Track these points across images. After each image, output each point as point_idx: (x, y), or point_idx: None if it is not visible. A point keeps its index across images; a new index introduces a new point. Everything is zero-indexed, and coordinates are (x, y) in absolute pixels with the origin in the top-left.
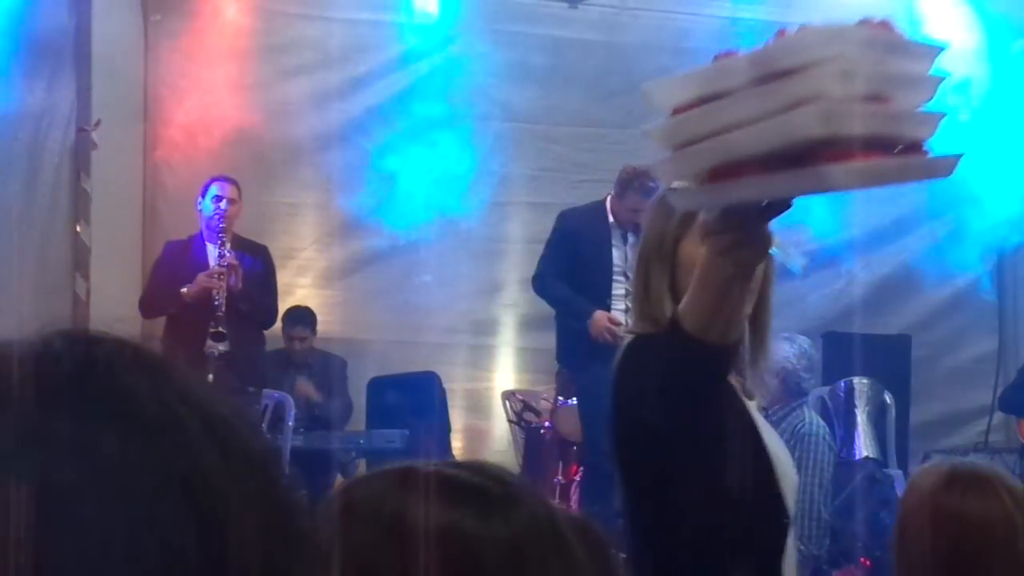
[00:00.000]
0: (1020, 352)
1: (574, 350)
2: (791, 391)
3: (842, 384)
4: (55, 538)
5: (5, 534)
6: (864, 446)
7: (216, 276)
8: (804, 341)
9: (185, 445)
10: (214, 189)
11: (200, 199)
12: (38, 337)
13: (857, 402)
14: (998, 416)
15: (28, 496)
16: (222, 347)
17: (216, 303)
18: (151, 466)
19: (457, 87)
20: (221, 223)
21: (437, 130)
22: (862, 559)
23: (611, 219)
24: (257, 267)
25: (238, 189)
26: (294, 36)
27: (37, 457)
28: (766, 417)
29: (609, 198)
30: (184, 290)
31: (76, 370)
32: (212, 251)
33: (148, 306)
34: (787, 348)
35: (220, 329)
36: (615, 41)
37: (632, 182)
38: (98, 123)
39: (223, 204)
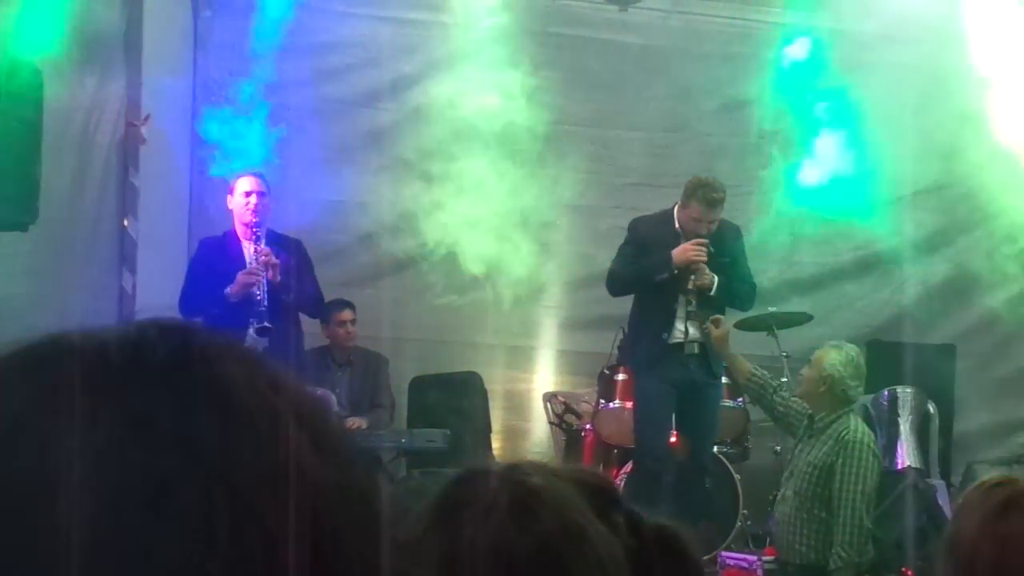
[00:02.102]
0: None
1: (637, 351)
2: (838, 399)
3: (885, 393)
4: (160, 525)
5: (111, 523)
6: (906, 455)
7: (256, 273)
8: (852, 349)
9: (279, 436)
10: (243, 185)
11: (230, 196)
12: (133, 326)
13: (900, 411)
14: None
15: (131, 484)
16: (263, 343)
17: (259, 298)
18: (251, 456)
19: (505, 89)
20: (254, 218)
21: (484, 132)
22: (903, 568)
23: (677, 226)
24: (293, 260)
25: (266, 183)
26: (342, 34)
27: (141, 445)
28: (811, 424)
29: (676, 206)
30: (228, 291)
31: (173, 359)
32: (247, 247)
33: (189, 306)
34: (834, 356)
35: (266, 324)
36: (663, 45)
37: (695, 192)
38: (147, 118)
39: (252, 199)
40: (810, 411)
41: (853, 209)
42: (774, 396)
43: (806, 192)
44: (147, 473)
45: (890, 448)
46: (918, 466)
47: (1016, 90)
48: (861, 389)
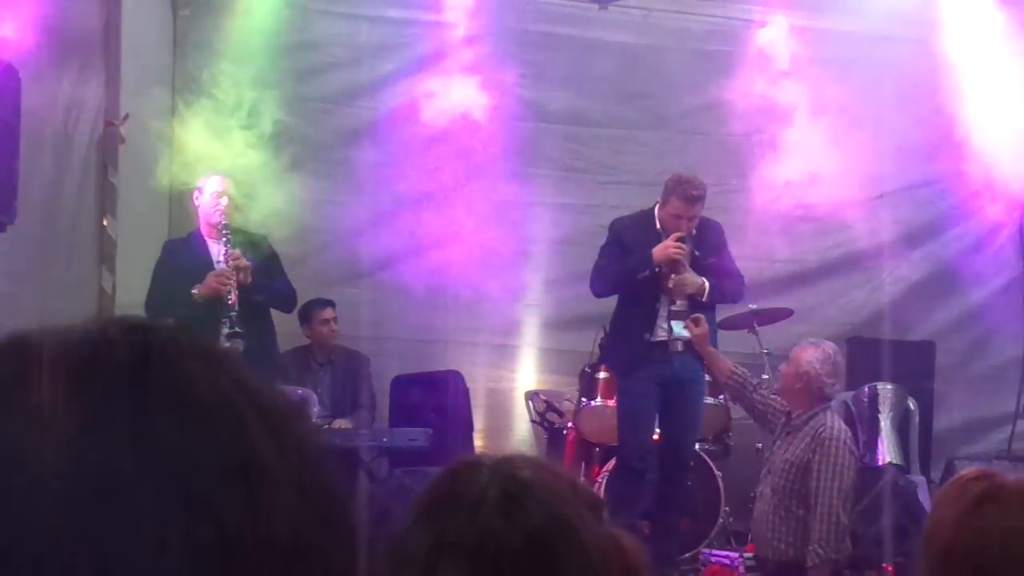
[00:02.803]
0: None
1: (620, 351)
2: (814, 396)
3: (866, 390)
4: (115, 524)
5: (65, 521)
6: (887, 452)
7: (226, 276)
8: (830, 347)
9: (242, 434)
10: (213, 184)
11: (198, 194)
12: (94, 324)
13: (881, 408)
14: (1022, 423)
15: (88, 483)
16: (239, 345)
17: (229, 302)
18: (209, 454)
19: (485, 87)
20: (223, 219)
21: (464, 130)
22: (884, 564)
23: (658, 225)
24: (261, 257)
25: (233, 184)
26: (322, 33)
27: (97, 443)
28: (788, 421)
29: (656, 206)
30: (195, 291)
31: (133, 357)
32: (214, 247)
33: (156, 307)
34: (811, 353)
35: (236, 329)
36: (643, 43)
37: (675, 189)
38: (126, 117)
39: (223, 200)
40: (788, 408)
41: (835, 206)
42: (754, 394)
43: (787, 189)
44: (102, 472)
45: (870, 444)
46: (898, 462)
47: (995, 87)
48: (839, 386)
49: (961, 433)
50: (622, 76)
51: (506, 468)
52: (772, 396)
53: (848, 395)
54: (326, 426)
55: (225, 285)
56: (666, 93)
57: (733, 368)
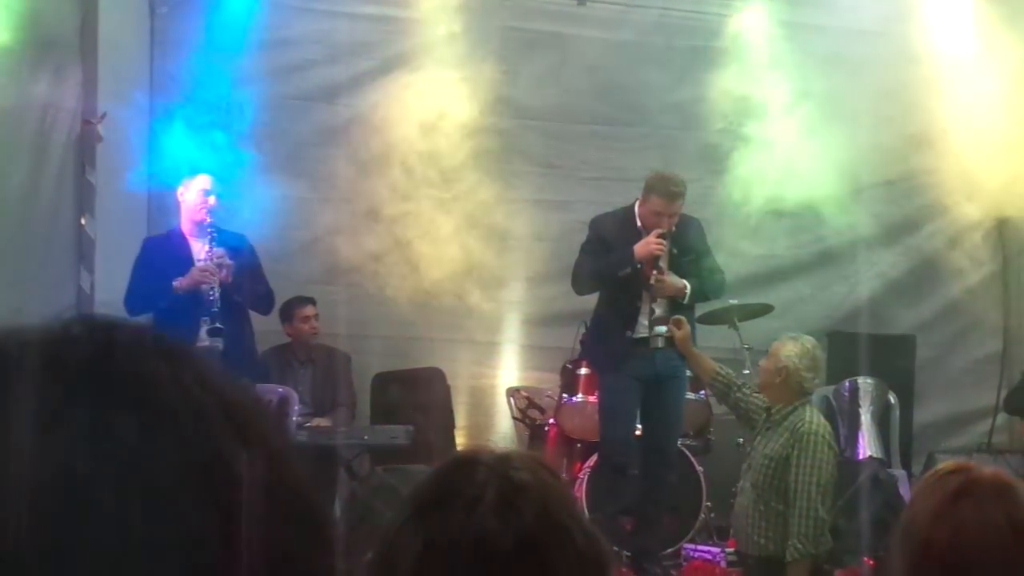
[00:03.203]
0: None
1: (601, 349)
2: (794, 390)
3: (847, 384)
4: (74, 525)
5: (24, 521)
6: (868, 446)
7: (210, 272)
8: (808, 341)
9: (205, 432)
10: (201, 183)
11: (183, 190)
12: (58, 322)
13: (861, 402)
14: (1002, 417)
15: (46, 482)
16: (212, 342)
17: (211, 298)
18: (171, 453)
19: (464, 85)
20: (209, 217)
21: (443, 127)
22: (865, 558)
23: (639, 223)
24: (242, 257)
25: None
26: (300, 30)
27: (56, 444)
28: (769, 416)
29: (637, 203)
30: (176, 283)
31: (96, 355)
32: (195, 245)
33: (135, 302)
34: (791, 347)
35: (217, 325)
36: (621, 39)
37: (656, 186)
38: (103, 116)
39: (211, 199)
40: (768, 404)
41: (814, 201)
42: (737, 394)
43: (767, 185)
44: (61, 472)
45: (851, 438)
46: (879, 456)
47: (973, 82)
48: (818, 381)
49: (941, 427)
50: (601, 72)
51: (504, 467)
52: (754, 395)
53: (829, 389)
54: (307, 424)
55: (207, 281)
56: (645, 89)
57: (718, 369)
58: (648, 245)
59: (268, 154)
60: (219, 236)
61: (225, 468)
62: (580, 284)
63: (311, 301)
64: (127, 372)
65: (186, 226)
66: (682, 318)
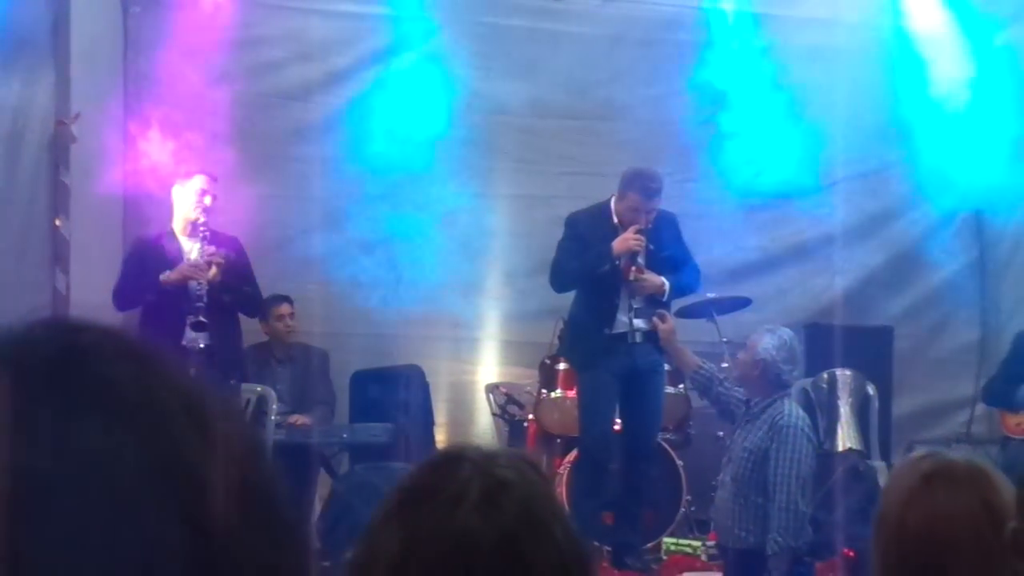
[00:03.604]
0: (1002, 344)
1: (580, 345)
2: (772, 383)
3: (825, 376)
4: (33, 529)
5: None
6: (847, 438)
7: (200, 269)
8: (786, 333)
9: (168, 434)
10: (198, 182)
11: (178, 188)
12: (20, 324)
13: (840, 394)
14: (980, 407)
15: (5, 486)
16: (203, 340)
17: (197, 294)
18: (133, 456)
19: (439, 80)
20: (204, 217)
21: (419, 123)
22: (845, 550)
23: (615, 219)
24: (233, 258)
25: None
26: (274, 28)
27: (16, 446)
28: (748, 410)
29: (613, 199)
30: (163, 276)
31: (57, 357)
32: (186, 244)
33: (123, 296)
34: (768, 340)
35: (202, 319)
36: (597, 33)
37: (633, 182)
38: (77, 116)
39: (207, 199)
40: (747, 397)
41: (791, 194)
42: (719, 388)
43: (744, 178)
44: (23, 475)
45: (830, 430)
46: (858, 448)
47: (950, 74)
48: (796, 373)
49: (920, 418)
50: (577, 67)
51: (488, 464)
52: (735, 388)
53: (807, 381)
54: (286, 423)
55: (195, 276)
56: (621, 83)
57: (700, 363)
58: (626, 241)
59: (243, 152)
60: (211, 237)
61: (188, 471)
62: (559, 282)
63: (286, 300)
64: (89, 374)
65: (179, 225)
66: (666, 312)
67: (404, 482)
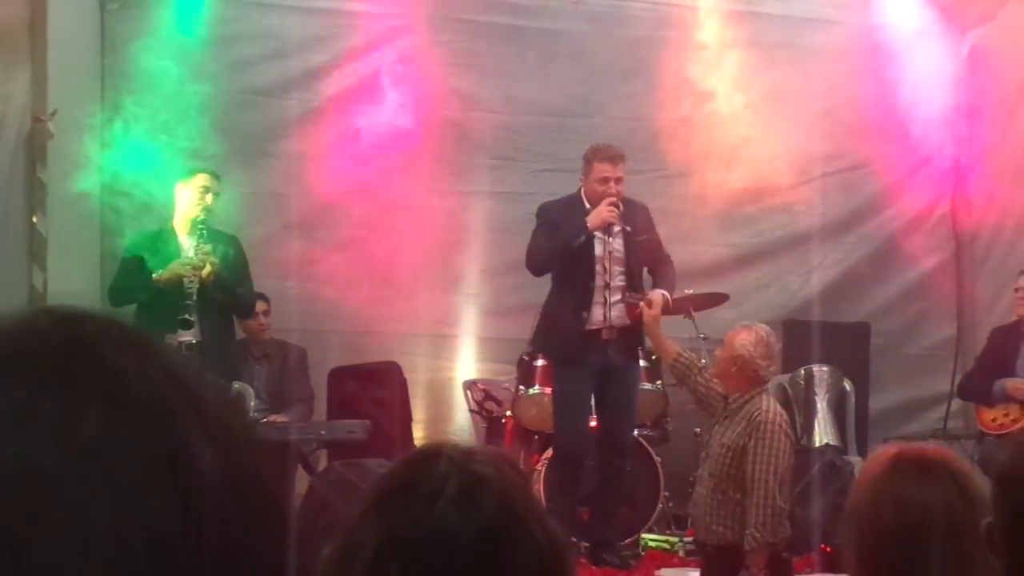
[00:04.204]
0: (978, 340)
1: (555, 339)
2: (749, 379)
3: (802, 372)
4: (36, 519)
5: None
6: (824, 433)
7: (193, 266)
8: (763, 329)
9: (171, 427)
10: (201, 180)
11: (181, 186)
12: (24, 312)
13: (817, 390)
14: (957, 403)
15: (8, 477)
16: (189, 336)
17: (188, 291)
18: (136, 447)
19: (417, 77)
20: (203, 215)
21: (397, 120)
22: (822, 546)
23: (587, 204)
24: (231, 257)
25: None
26: (252, 25)
27: (19, 436)
28: (726, 405)
29: (582, 188)
30: (156, 276)
31: (62, 347)
32: (185, 242)
33: (117, 294)
34: (744, 336)
35: (187, 316)
36: (574, 29)
37: (596, 154)
38: (54, 113)
39: (209, 197)
40: (726, 392)
41: (768, 190)
42: (698, 377)
43: (721, 174)
44: (24, 466)
45: (807, 426)
46: (835, 443)
47: (925, 68)
48: (774, 368)
49: (897, 413)
50: (554, 64)
51: (466, 460)
52: (714, 381)
53: (784, 378)
54: (263, 420)
55: (186, 273)
56: (599, 80)
57: (680, 351)
58: (600, 214)
59: (220, 149)
60: (209, 234)
61: (189, 463)
62: (535, 261)
63: (261, 297)
64: (92, 365)
65: (179, 223)
66: (652, 299)
67: (382, 478)
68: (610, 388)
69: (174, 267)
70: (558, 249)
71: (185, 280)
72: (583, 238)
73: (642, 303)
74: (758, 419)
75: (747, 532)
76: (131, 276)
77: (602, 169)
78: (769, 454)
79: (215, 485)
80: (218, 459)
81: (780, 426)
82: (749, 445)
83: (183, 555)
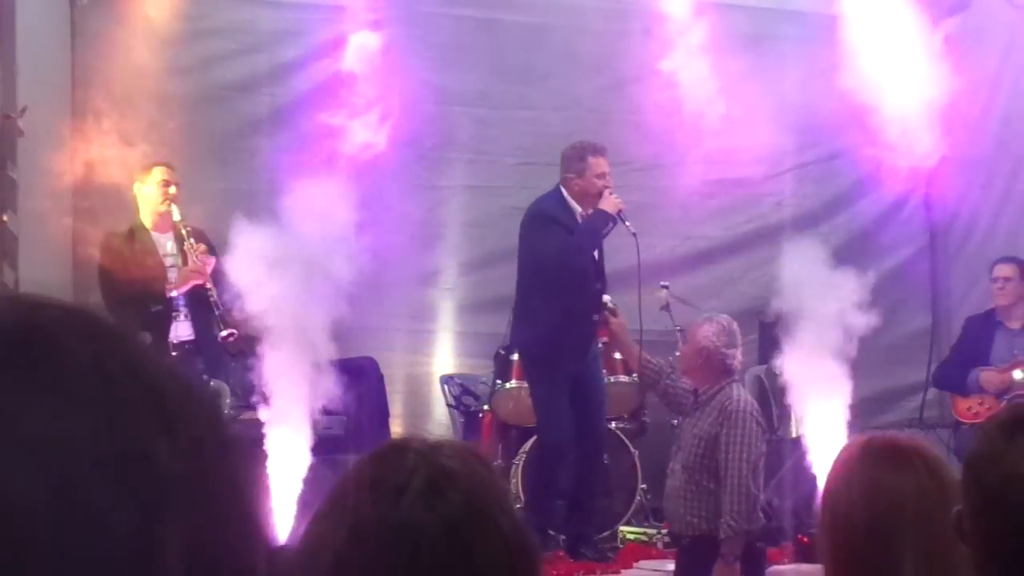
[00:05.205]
0: (953, 329)
1: (535, 337)
2: (717, 370)
3: (778, 363)
4: None
5: None
6: (800, 424)
7: (199, 272)
8: (724, 318)
9: (124, 423)
10: (159, 174)
11: (139, 184)
12: None
13: None
14: (932, 392)
15: None
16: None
17: (210, 297)
18: (86, 441)
19: (390, 71)
20: (171, 207)
21: (370, 114)
22: (798, 536)
23: (571, 202)
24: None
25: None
26: (223, 20)
27: None
28: (696, 399)
29: (563, 188)
30: (168, 287)
31: (12, 335)
32: (160, 239)
33: (122, 307)
34: (707, 328)
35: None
36: (550, 22)
37: (587, 150)
38: (24, 110)
39: (172, 189)
40: (695, 387)
41: (744, 181)
42: (666, 381)
43: (697, 167)
44: None
45: (784, 417)
46: None
47: (901, 60)
48: (740, 357)
49: (873, 403)
50: (530, 57)
51: (433, 454)
52: (682, 381)
53: (760, 369)
54: (239, 416)
55: (198, 280)
56: (574, 73)
57: (647, 358)
58: (610, 201)
59: (191, 145)
60: (195, 234)
61: (145, 459)
62: (573, 255)
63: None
64: (45, 354)
65: (148, 219)
66: (616, 307)
67: (349, 472)
68: (582, 380)
69: (185, 275)
70: (588, 239)
71: (203, 285)
72: (612, 224)
73: (606, 312)
74: (729, 408)
75: (722, 520)
76: (128, 285)
77: (599, 163)
78: (741, 442)
79: (175, 484)
80: (180, 457)
81: (751, 414)
82: (721, 434)
83: (140, 559)
